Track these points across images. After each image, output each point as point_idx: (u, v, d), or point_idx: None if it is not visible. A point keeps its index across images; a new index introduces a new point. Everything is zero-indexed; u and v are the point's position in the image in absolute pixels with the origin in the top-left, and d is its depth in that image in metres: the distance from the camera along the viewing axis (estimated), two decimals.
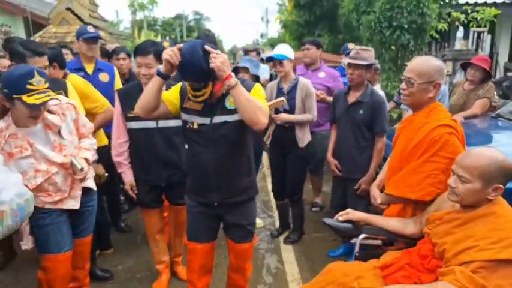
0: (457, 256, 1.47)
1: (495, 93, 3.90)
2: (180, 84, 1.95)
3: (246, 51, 5.16)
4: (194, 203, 2.04)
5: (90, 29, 3.21)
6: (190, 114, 1.90)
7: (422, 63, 1.89)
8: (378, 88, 3.48)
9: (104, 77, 3.20)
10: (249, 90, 1.81)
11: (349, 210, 1.98)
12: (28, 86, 1.72)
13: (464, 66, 3.84)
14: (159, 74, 1.75)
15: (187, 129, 1.92)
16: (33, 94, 1.73)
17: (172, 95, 1.92)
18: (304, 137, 3.16)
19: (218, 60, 1.65)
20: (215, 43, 1.96)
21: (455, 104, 3.74)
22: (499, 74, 8.86)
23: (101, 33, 9.65)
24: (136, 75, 2.41)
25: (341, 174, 3.00)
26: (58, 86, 2.58)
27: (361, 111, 2.83)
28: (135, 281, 2.84)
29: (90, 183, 2.19)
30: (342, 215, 1.96)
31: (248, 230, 2.07)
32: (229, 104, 1.86)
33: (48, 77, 2.50)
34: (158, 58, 2.27)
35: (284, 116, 3.05)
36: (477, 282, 1.36)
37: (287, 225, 3.53)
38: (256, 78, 3.21)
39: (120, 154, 2.47)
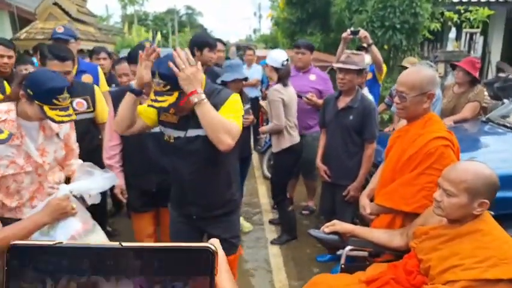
0: (442, 274, 1.44)
1: (486, 94, 3.89)
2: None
3: (239, 48, 5.11)
4: (176, 213, 2.00)
5: (59, 29, 3.12)
6: (166, 127, 1.85)
7: (412, 75, 1.86)
8: (365, 91, 3.44)
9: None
10: (222, 102, 1.75)
11: (335, 221, 1.95)
12: (54, 101, 1.72)
13: (453, 66, 3.83)
14: (131, 90, 1.70)
15: (165, 143, 1.87)
16: (56, 109, 1.73)
17: (148, 108, 1.84)
18: (278, 143, 3.25)
19: (185, 71, 1.58)
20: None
21: (446, 108, 3.73)
22: (491, 74, 8.90)
23: (90, 29, 9.53)
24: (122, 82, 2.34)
25: (330, 180, 2.96)
26: (86, 91, 2.56)
27: (351, 117, 2.79)
28: None
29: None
30: (328, 227, 1.93)
31: (231, 243, 2.03)
32: None
33: (74, 81, 2.48)
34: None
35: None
36: None
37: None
38: (245, 79, 3.14)
39: (112, 157, 2.43)
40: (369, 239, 1.89)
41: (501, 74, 7.46)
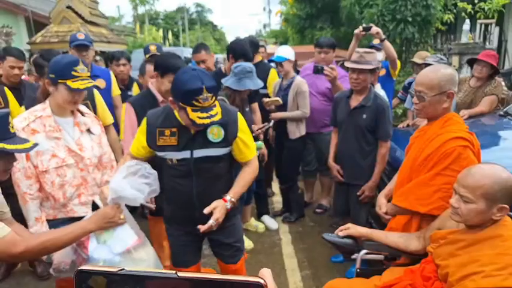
0: (461, 281, 1.40)
1: (504, 88, 3.78)
2: (142, 128, 1.86)
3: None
4: (178, 232, 1.97)
5: (80, 36, 3.16)
6: (166, 151, 1.80)
7: (430, 75, 1.81)
8: (378, 87, 3.37)
9: (100, 83, 3.14)
10: (235, 122, 1.82)
11: (350, 225, 1.92)
12: (73, 73, 1.85)
13: (471, 62, 3.71)
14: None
15: (166, 164, 1.84)
16: (78, 80, 1.86)
17: (141, 146, 1.86)
18: (296, 130, 3.45)
19: (215, 220, 1.71)
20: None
21: (462, 102, 3.63)
22: (508, 63, 8.65)
23: (102, 31, 9.62)
24: (165, 91, 2.31)
25: (343, 180, 2.92)
26: (86, 96, 2.58)
27: (364, 116, 2.74)
28: None
29: (99, 201, 2.05)
30: (342, 230, 1.90)
31: (236, 247, 2.02)
32: (212, 136, 1.79)
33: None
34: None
35: (277, 114, 3.42)
36: None
37: (289, 207, 3.86)
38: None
39: None
40: (385, 242, 1.85)
41: None
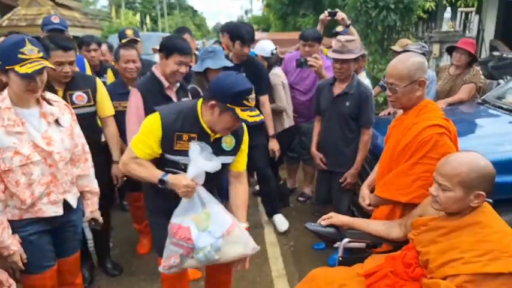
0: (441, 268, 1.42)
1: (481, 76, 3.84)
2: (154, 131, 1.77)
3: (222, 30, 4.91)
4: (159, 222, 1.92)
5: (55, 19, 3.00)
6: (183, 155, 1.77)
7: (399, 65, 1.82)
8: (363, 76, 3.37)
9: None
10: (242, 131, 1.91)
11: (332, 214, 1.92)
12: (20, 56, 1.61)
13: (450, 50, 3.75)
14: (161, 183, 1.74)
15: (174, 168, 1.81)
16: (26, 63, 1.62)
17: (151, 151, 1.79)
18: (280, 124, 3.47)
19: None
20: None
21: (442, 90, 3.68)
22: (485, 52, 8.82)
23: (75, 15, 9.25)
24: (169, 73, 2.32)
25: (326, 168, 2.93)
26: (87, 84, 2.47)
27: (347, 103, 2.74)
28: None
29: (71, 199, 1.91)
30: (324, 219, 1.90)
31: None
32: (225, 144, 1.86)
33: (76, 73, 2.41)
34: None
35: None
36: None
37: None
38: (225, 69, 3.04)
39: None
40: (367, 231, 1.86)
41: (495, 53, 7.39)
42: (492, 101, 3.33)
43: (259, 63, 3.36)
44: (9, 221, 1.73)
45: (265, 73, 3.29)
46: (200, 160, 1.71)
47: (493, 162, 2.26)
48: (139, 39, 3.60)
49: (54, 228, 1.87)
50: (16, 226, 1.75)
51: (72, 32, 7.78)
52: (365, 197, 2.12)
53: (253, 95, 1.69)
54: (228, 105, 1.65)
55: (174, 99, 2.46)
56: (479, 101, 3.47)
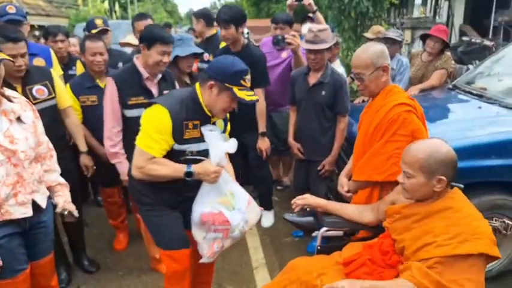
0: (416, 253, 1.47)
1: (452, 61, 3.94)
2: (165, 126, 1.75)
3: (195, 14, 4.77)
4: (163, 212, 1.92)
5: (10, 9, 2.81)
6: (191, 143, 1.83)
7: (362, 55, 1.92)
8: (337, 64, 3.38)
9: (39, 62, 2.85)
10: (226, 123, 2.02)
11: (307, 195, 1.97)
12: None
13: (424, 37, 3.81)
14: (187, 174, 1.76)
15: (180, 157, 1.82)
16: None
17: (167, 146, 1.79)
18: None
19: None
20: None
21: (415, 77, 3.75)
22: (455, 37, 9.03)
23: (39, 3, 8.82)
24: (152, 64, 2.28)
25: (304, 157, 2.95)
26: (44, 76, 2.36)
27: (323, 92, 2.76)
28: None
29: (39, 199, 1.82)
30: (299, 199, 1.94)
31: None
32: (219, 126, 1.94)
33: (29, 66, 2.28)
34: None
35: None
36: (432, 279, 1.36)
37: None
38: (201, 54, 2.97)
39: (117, 144, 2.41)
40: (341, 214, 1.91)
41: (464, 38, 7.59)
42: (462, 86, 3.41)
43: (258, 54, 3.08)
44: None
45: (262, 65, 3.01)
46: (220, 143, 1.80)
47: (463, 147, 2.39)
48: (109, 28, 3.46)
49: (24, 231, 1.79)
50: None
51: (36, 21, 7.40)
52: (343, 184, 2.17)
53: (249, 76, 1.78)
54: (226, 84, 1.74)
55: (154, 91, 2.42)
56: (450, 86, 3.55)
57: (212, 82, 1.75)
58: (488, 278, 1.87)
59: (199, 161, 1.84)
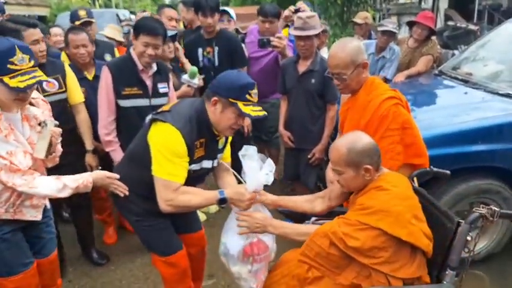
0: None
1: (438, 47, 3.95)
2: (181, 151, 1.65)
3: (184, 3, 4.68)
4: (153, 220, 1.86)
5: None
6: (197, 162, 1.76)
7: (340, 54, 1.85)
8: (325, 52, 3.37)
9: None
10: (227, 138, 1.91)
11: (262, 192, 1.84)
12: (10, 66, 1.48)
13: (410, 24, 3.81)
14: (221, 201, 1.70)
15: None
16: (17, 75, 1.50)
17: (186, 167, 1.70)
18: None
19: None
20: None
21: (402, 63, 3.76)
22: (440, 21, 9.06)
23: None
24: (138, 54, 2.29)
25: (294, 146, 2.96)
26: (56, 70, 2.36)
27: (313, 80, 2.77)
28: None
29: (35, 200, 1.81)
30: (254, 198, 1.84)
31: (196, 217, 2.15)
32: (220, 143, 1.87)
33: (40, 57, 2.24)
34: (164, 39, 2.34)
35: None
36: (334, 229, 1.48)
37: None
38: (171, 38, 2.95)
39: (111, 132, 2.42)
40: (293, 209, 1.88)
41: (450, 22, 7.60)
42: (448, 72, 3.43)
43: (233, 36, 3.22)
44: None
45: (239, 46, 3.16)
46: (259, 172, 1.70)
47: (449, 133, 2.42)
48: (93, 20, 3.36)
49: (25, 226, 1.79)
50: None
51: (17, 11, 7.16)
52: (333, 180, 2.12)
53: (256, 90, 1.67)
54: (230, 99, 1.62)
55: (149, 83, 2.41)
56: (436, 72, 3.57)
57: (216, 98, 1.65)
58: (476, 261, 1.94)
59: (198, 175, 1.82)
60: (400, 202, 1.47)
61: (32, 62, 1.55)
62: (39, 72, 1.57)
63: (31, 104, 1.72)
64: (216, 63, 3.09)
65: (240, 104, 1.62)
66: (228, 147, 1.99)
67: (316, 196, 1.89)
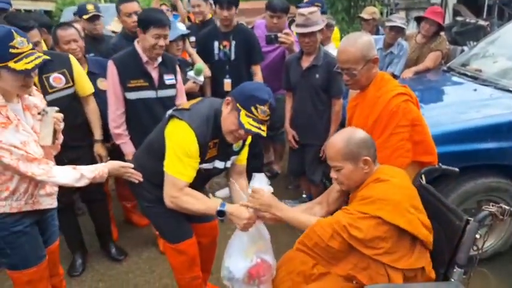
0: None
1: (446, 42, 3.91)
2: (193, 151, 1.68)
3: None
4: (165, 207, 1.86)
5: None
6: (210, 162, 1.81)
7: (351, 49, 1.82)
8: (332, 47, 3.34)
9: None
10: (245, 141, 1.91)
11: (266, 214, 1.78)
12: (12, 50, 1.46)
13: (418, 19, 3.77)
14: (220, 213, 1.69)
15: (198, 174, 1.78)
16: (22, 58, 1.48)
17: (195, 167, 1.73)
18: None
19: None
20: None
21: (410, 59, 3.72)
22: (449, 17, 8.96)
23: None
24: (149, 47, 2.28)
25: (297, 146, 2.97)
26: (62, 64, 2.34)
27: (317, 76, 2.75)
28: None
29: (49, 188, 1.85)
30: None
31: None
32: (235, 146, 1.86)
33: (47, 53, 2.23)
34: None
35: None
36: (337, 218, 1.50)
37: None
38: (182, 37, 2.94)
39: (121, 125, 2.44)
40: (296, 225, 1.74)
41: (458, 18, 7.51)
42: (457, 68, 3.40)
43: (249, 30, 3.23)
44: (9, 214, 1.66)
45: (257, 41, 3.16)
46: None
47: (458, 130, 2.39)
48: (101, 14, 3.35)
49: (38, 220, 1.82)
50: (16, 219, 1.68)
51: (22, 5, 7.17)
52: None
53: (265, 109, 1.63)
54: (238, 104, 1.64)
55: (155, 75, 2.42)
56: (445, 68, 3.53)
57: (229, 98, 1.69)
58: (483, 259, 1.93)
59: (209, 174, 1.86)
60: (398, 191, 1.49)
61: (30, 45, 1.55)
62: (39, 53, 1.58)
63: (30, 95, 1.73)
64: (232, 57, 3.10)
65: (242, 112, 1.62)
66: (246, 150, 1.99)
67: (314, 203, 1.89)
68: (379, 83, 1.89)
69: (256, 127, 1.63)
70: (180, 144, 1.66)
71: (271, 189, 1.72)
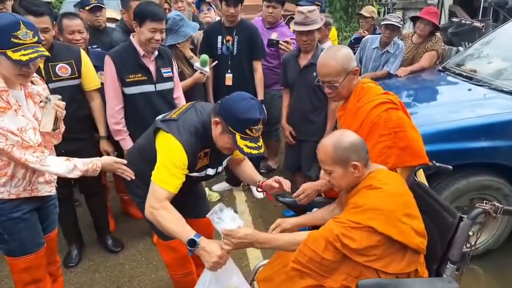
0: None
1: (442, 44, 3.94)
2: (181, 162, 1.64)
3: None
4: None
5: None
6: (202, 170, 1.80)
7: (331, 62, 1.81)
8: (329, 45, 3.35)
9: None
10: None
11: (279, 221, 1.85)
12: (13, 40, 1.49)
13: (414, 19, 3.80)
14: (190, 243, 1.53)
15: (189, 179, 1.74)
16: (20, 49, 1.51)
17: (181, 178, 1.66)
18: None
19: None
20: None
21: (405, 58, 3.76)
22: (444, 18, 9.01)
23: None
24: (144, 41, 2.29)
25: (294, 142, 2.99)
26: (70, 55, 2.34)
27: (314, 73, 2.73)
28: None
29: (48, 175, 1.86)
30: (274, 229, 1.85)
31: (206, 202, 2.17)
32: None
33: (56, 43, 2.26)
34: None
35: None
36: (329, 227, 1.46)
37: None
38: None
39: (120, 121, 2.43)
40: (314, 224, 1.82)
41: (454, 19, 7.55)
42: (452, 68, 3.44)
43: (253, 26, 3.23)
44: (7, 200, 1.67)
45: (260, 38, 3.19)
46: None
47: (452, 129, 2.43)
48: (103, 5, 3.33)
49: (38, 207, 1.83)
50: (14, 206, 1.70)
51: None
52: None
53: (259, 126, 1.59)
54: (230, 127, 1.59)
55: (152, 68, 2.42)
56: (440, 68, 3.57)
57: (218, 119, 1.62)
58: (474, 256, 1.96)
59: (200, 179, 1.86)
60: (391, 200, 1.45)
61: (36, 38, 1.56)
62: (42, 48, 1.59)
63: (31, 82, 1.74)
64: (235, 52, 3.12)
65: (237, 136, 1.58)
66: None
67: (334, 206, 1.86)
68: (358, 93, 1.88)
69: (255, 148, 1.60)
70: (169, 155, 1.64)
71: (241, 222, 1.60)
